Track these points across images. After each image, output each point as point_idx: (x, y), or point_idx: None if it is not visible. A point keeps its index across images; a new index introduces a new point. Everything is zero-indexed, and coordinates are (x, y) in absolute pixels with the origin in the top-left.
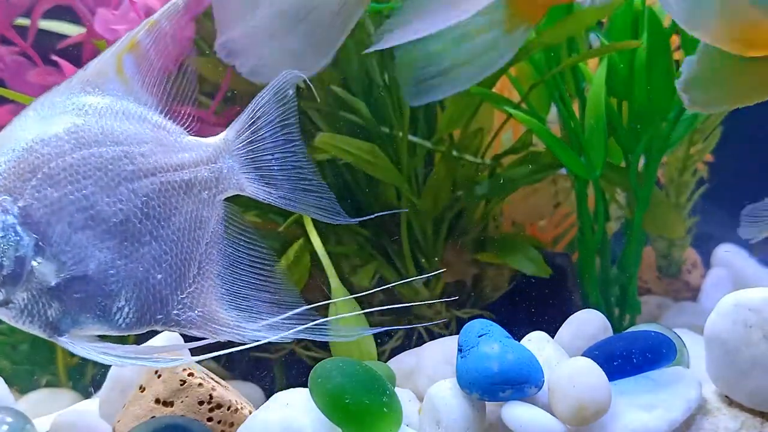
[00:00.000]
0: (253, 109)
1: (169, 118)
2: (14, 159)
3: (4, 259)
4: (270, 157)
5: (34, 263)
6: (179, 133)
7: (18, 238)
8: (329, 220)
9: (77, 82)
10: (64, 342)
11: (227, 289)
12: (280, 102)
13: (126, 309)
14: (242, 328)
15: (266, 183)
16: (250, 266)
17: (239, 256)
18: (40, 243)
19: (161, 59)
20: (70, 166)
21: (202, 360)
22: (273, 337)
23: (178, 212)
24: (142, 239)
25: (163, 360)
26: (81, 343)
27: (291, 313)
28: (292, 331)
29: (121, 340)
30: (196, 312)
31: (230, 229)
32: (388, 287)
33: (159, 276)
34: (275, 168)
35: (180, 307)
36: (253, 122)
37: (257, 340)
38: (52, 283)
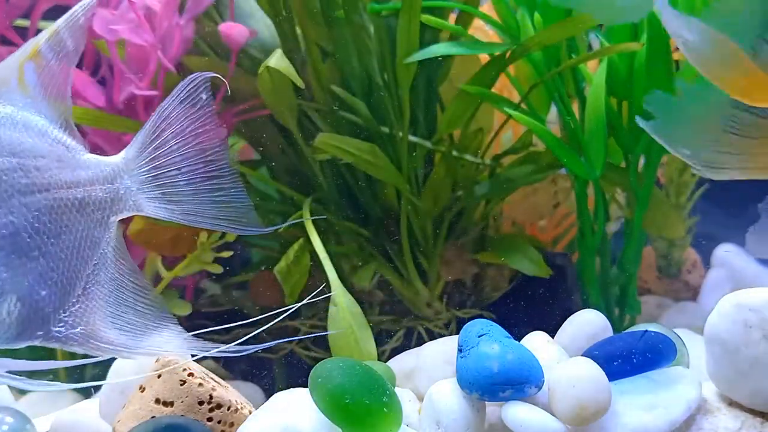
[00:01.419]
0: (157, 121)
1: (70, 134)
2: None
3: None
4: (176, 172)
5: None
6: (78, 150)
7: None
8: (240, 231)
9: None
10: None
11: (110, 311)
12: (191, 109)
13: (7, 322)
14: (127, 346)
15: (168, 200)
16: (134, 293)
17: (124, 282)
18: None
19: (64, 70)
20: None
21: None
22: (157, 353)
23: (68, 230)
24: (30, 254)
25: (34, 383)
26: None
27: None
28: (174, 347)
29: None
30: (78, 329)
31: (118, 254)
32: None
33: (43, 292)
34: (181, 183)
35: (61, 324)
36: (157, 135)
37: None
38: None
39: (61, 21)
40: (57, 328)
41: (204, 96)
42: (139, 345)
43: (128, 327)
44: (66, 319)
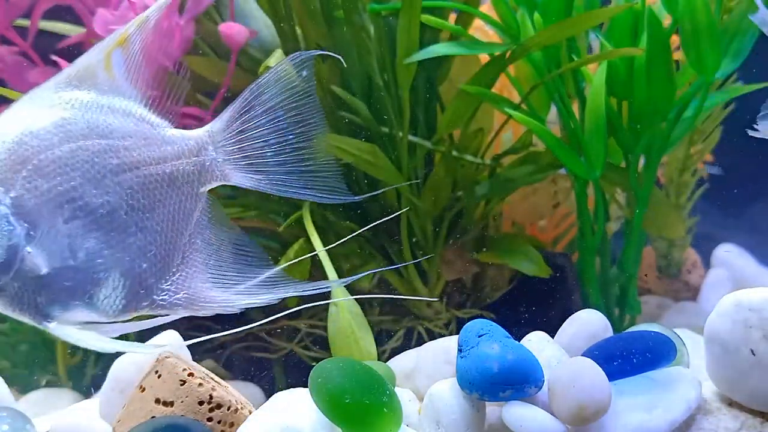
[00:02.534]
0: (247, 96)
1: (155, 113)
2: (5, 151)
3: None
4: (263, 143)
5: (25, 252)
6: (163, 126)
7: (11, 227)
8: (328, 200)
9: (65, 78)
10: (53, 329)
11: (212, 273)
12: (285, 85)
13: (113, 297)
14: (229, 301)
15: (255, 170)
16: (234, 252)
17: (222, 245)
18: (31, 232)
19: (149, 55)
20: (59, 159)
21: (192, 343)
22: (258, 302)
23: (161, 204)
24: (128, 230)
25: (148, 346)
26: (68, 330)
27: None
28: (275, 295)
29: (123, 337)
30: (181, 295)
31: (214, 217)
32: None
33: (144, 265)
34: (268, 154)
35: (164, 293)
36: (247, 109)
37: (244, 309)
38: (42, 272)
39: (150, 11)
40: (161, 297)
41: (306, 72)
42: (241, 298)
43: (230, 284)
44: (168, 287)
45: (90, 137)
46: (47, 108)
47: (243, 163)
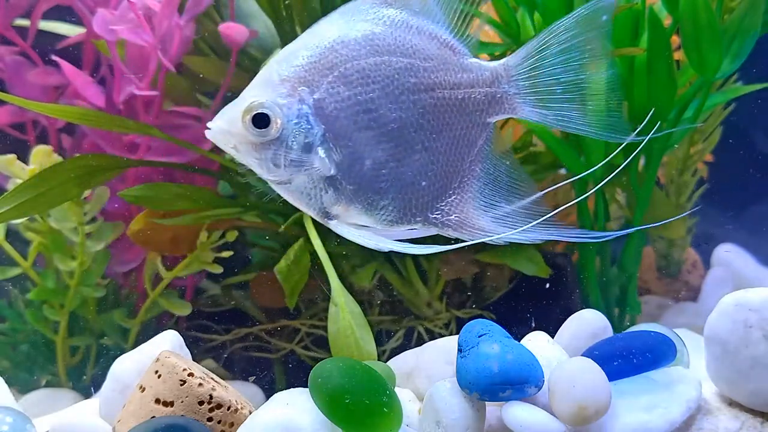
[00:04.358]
0: (545, 35)
1: (457, 38)
2: (316, 55)
3: (294, 143)
4: (554, 81)
5: (319, 151)
6: (463, 54)
7: (309, 126)
8: (608, 138)
9: None
10: (333, 225)
11: (485, 202)
12: (582, 28)
13: (390, 207)
14: (495, 232)
15: (542, 106)
16: (509, 185)
17: (500, 176)
18: (327, 134)
19: None
20: (363, 70)
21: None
22: (523, 239)
23: (448, 128)
24: (414, 147)
25: (419, 247)
26: (348, 229)
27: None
28: (540, 236)
29: (123, 337)
30: (453, 217)
31: (495, 150)
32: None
33: (423, 183)
34: (557, 91)
35: (438, 212)
36: (543, 48)
37: (508, 242)
38: (331, 173)
39: None
40: (434, 215)
41: (605, 17)
42: (507, 233)
43: (500, 216)
44: (443, 207)
45: (394, 54)
46: (360, 21)
47: (532, 98)
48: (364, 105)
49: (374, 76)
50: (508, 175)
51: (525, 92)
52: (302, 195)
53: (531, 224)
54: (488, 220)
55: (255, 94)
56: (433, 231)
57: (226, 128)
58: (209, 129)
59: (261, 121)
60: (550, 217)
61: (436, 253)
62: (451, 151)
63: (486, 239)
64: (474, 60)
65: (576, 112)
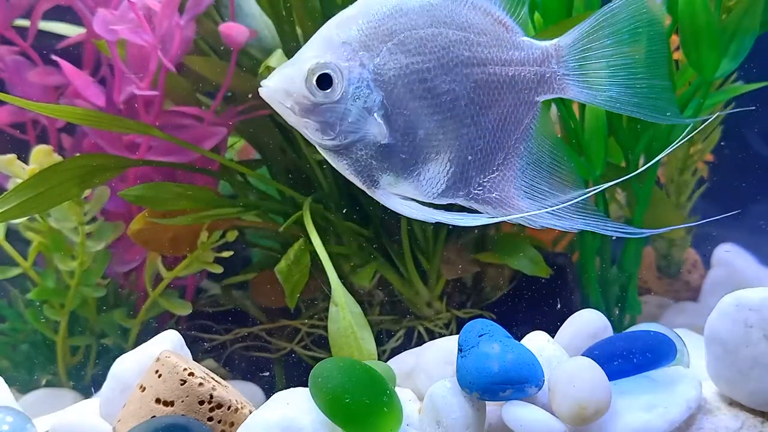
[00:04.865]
0: (597, 17)
1: (510, 17)
2: (376, 21)
3: (353, 107)
4: (604, 63)
5: (376, 118)
6: (516, 31)
7: (369, 91)
8: (658, 120)
9: None
10: (379, 195)
11: (525, 182)
12: (635, 11)
13: (437, 179)
14: (535, 215)
15: (591, 88)
16: (550, 167)
17: (542, 157)
18: (385, 101)
19: None
20: (421, 39)
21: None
22: (559, 226)
23: (497, 104)
24: (464, 120)
25: (476, 217)
26: (394, 200)
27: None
28: (575, 224)
29: (123, 337)
30: (494, 194)
31: (540, 130)
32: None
33: (470, 157)
34: (607, 74)
35: (480, 188)
36: (595, 30)
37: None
38: (384, 140)
39: None
40: (476, 191)
41: (659, 0)
42: (544, 216)
43: (539, 197)
44: (485, 183)
45: (451, 26)
46: None
47: (582, 79)
48: (420, 74)
49: (431, 47)
50: (551, 157)
51: (575, 73)
52: (352, 161)
53: (564, 207)
54: (528, 202)
55: (317, 55)
56: (481, 209)
57: (284, 87)
58: (262, 87)
59: (324, 81)
60: (581, 203)
61: (435, 254)
62: (498, 128)
63: (522, 221)
64: (526, 38)
65: (626, 95)
